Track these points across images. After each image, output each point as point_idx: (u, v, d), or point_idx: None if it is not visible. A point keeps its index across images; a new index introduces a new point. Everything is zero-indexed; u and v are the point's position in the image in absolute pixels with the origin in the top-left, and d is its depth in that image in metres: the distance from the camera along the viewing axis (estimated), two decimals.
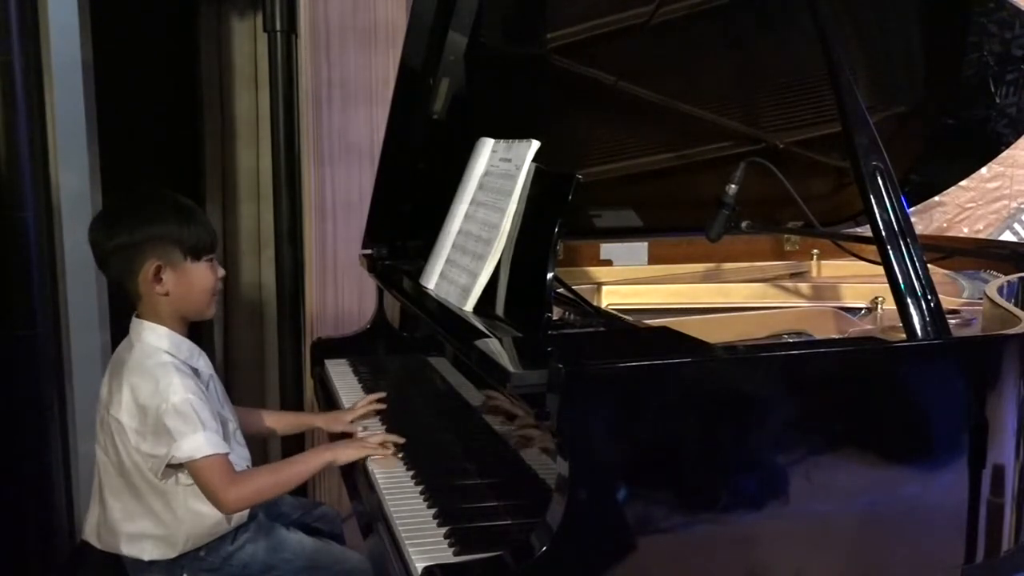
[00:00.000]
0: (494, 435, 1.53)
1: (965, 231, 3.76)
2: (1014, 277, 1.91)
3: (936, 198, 3.09)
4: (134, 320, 1.70)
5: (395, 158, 2.02)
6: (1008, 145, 2.40)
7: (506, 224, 1.57)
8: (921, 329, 1.40)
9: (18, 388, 2.29)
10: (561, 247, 2.27)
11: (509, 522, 1.39)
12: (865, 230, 1.69)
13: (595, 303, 2.04)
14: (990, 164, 2.76)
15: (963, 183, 3.20)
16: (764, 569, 1.28)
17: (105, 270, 1.70)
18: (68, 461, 2.43)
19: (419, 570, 1.23)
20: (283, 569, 1.73)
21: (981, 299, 1.81)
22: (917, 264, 1.44)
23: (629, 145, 2.31)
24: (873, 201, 1.49)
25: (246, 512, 1.70)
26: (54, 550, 2.37)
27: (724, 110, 2.25)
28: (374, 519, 1.49)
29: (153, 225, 1.64)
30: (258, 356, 3.14)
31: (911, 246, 1.45)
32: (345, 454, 1.70)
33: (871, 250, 1.56)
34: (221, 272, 1.73)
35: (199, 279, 1.68)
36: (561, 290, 1.79)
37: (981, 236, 3.69)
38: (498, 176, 1.67)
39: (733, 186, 1.94)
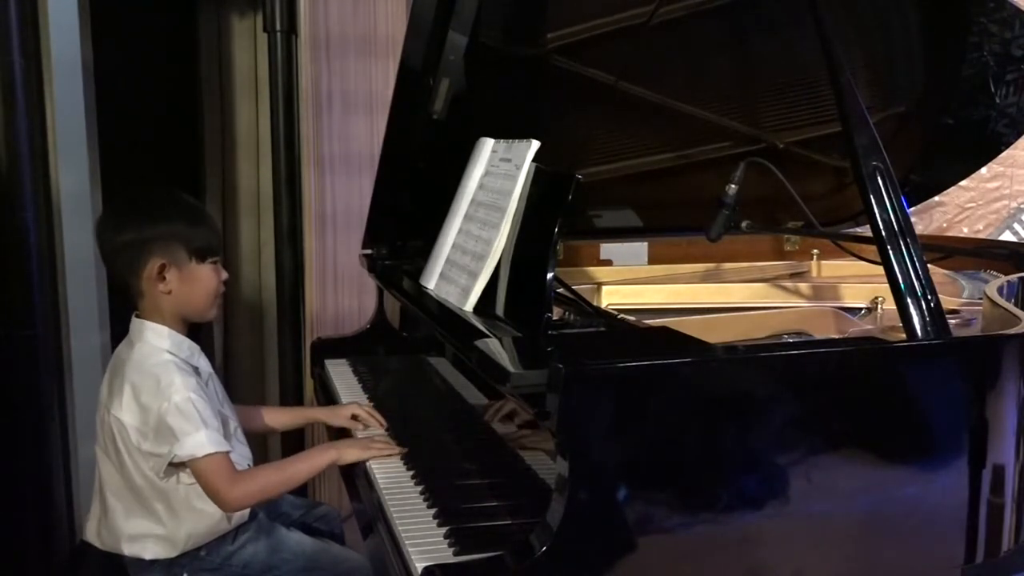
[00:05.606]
0: (494, 435, 1.53)
1: (965, 231, 3.75)
2: (1014, 277, 1.91)
3: (936, 198, 3.08)
4: (134, 320, 1.70)
5: (395, 158, 2.02)
6: (1008, 145, 2.40)
7: (506, 224, 1.57)
8: (921, 329, 1.40)
9: (18, 388, 2.28)
10: (561, 247, 2.29)
11: (509, 522, 1.39)
12: (865, 230, 1.69)
13: (595, 303, 2.04)
14: (990, 164, 2.76)
15: (963, 183, 3.20)
16: (764, 569, 1.28)
17: (109, 266, 1.70)
18: (68, 461, 2.42)
19: (419, 570, 1.23)
20: (283, 569, 1.73)
21: (981, 299, 1.81)
22: (917, 264, 1.44)
23: (629, 145, 2.31)
24: (873, 201, 1.49)
25: (247, 511, 1.71)
26: (54, 550, 2.37)
27: (724, 110, 2.25)
28: (374, 519, 1.49)
29: (161, 224, 1.65)
30: (258, 356, 3.14)
31: (911, 246, 1.45)
32: (349, 454, 1.69)
33: (871, 250, 1.56)
34: (224, 275, 1.74)
35: (203, 280, 1.69)
36: (561, 290, 1.79)
37: (981, 236, 3.69)
38: (498, 176, 1.67)
39: (733, 186, 1.93)
